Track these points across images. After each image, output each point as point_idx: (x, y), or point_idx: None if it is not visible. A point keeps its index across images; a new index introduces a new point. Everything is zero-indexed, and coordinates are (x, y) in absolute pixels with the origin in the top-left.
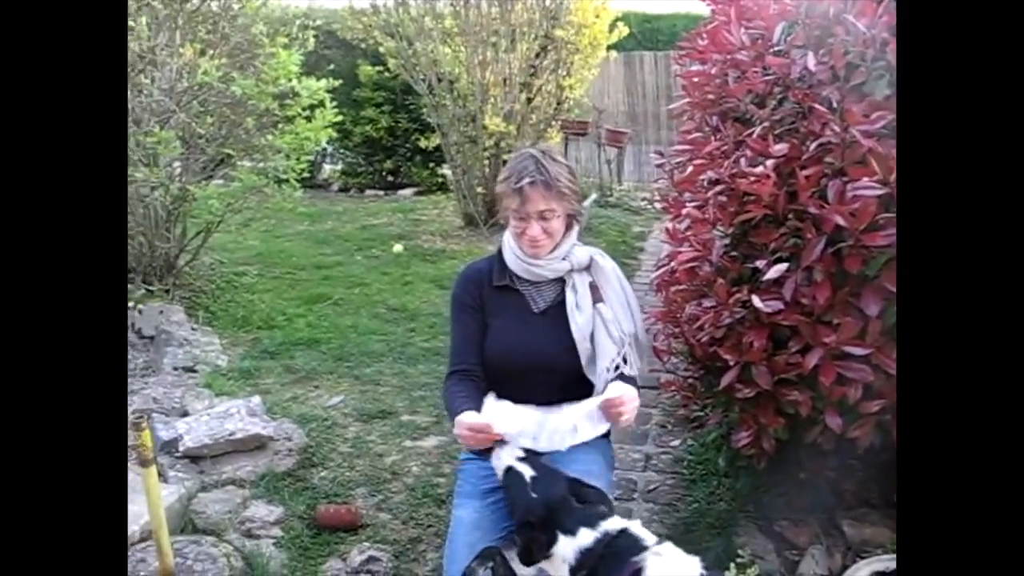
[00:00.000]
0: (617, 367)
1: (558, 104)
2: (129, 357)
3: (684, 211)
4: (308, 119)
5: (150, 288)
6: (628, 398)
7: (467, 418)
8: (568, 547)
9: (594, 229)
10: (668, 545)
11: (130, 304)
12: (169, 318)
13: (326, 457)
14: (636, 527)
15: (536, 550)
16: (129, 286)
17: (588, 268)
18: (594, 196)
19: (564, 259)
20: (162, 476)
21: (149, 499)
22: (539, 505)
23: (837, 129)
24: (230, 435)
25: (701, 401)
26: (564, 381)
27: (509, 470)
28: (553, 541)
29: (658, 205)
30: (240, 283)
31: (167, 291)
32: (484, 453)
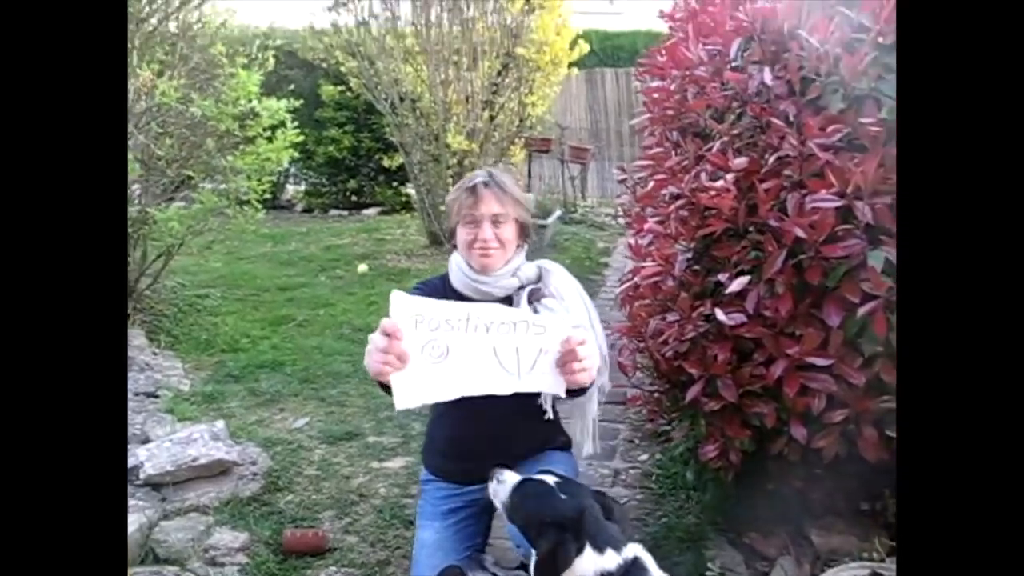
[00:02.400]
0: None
1: (521, 121)
2: None
3: (646, 226)
4: (269, 139)
5: None
6: (588, 348)
7: (376, 335)
8: (591, 564)
9: (559, 245)
10: None
11: None
12: (130, 343)
13: (292, 480)
14: (646, 557)
15: (561, 558)
16: None
17: (537, 281)
18: (558, 212)
19: (513, 275)
20: None
21: None
22: (571, 508)
23: (795, 142)
24: (193, 461)
25: (667, 415)
26: (516, 404)
27: (523, 482)
28: (580, 551)
29: (622, 220)
30: (203, 306)
31: (128, 315)
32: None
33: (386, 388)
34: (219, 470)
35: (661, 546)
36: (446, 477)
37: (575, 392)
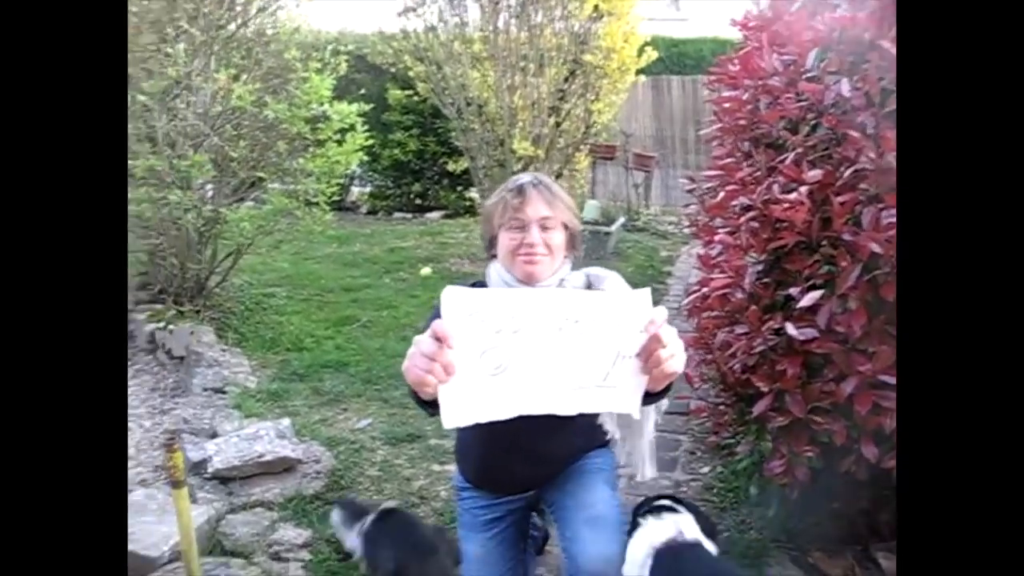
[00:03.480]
0: None
1: (586, 128)
2: (159, 377)
3: (717, 237)
4: (339, 143)
5: (181, 309)
6: (672, 332)
7: (424, 337)
8: None
9: (622, 253)
10: None
11: (160, 324)
12: (199, 339)
13: (354, 480)
14: None
15: None
16: (160, 306)
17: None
18: (622, 220)
19: (559, 286)
20: (192, 497)
21: (180, 521)
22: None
23: (872, 155)
24: (259, 457)
25: (732, 428)
26: (565, 425)
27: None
28: None
29: (689, 230)
30: (269, 305)
31: (197, 312)
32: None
33: (421, 401)
34: (284, 467)
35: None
36: (484, 487)
37: (652, 395)
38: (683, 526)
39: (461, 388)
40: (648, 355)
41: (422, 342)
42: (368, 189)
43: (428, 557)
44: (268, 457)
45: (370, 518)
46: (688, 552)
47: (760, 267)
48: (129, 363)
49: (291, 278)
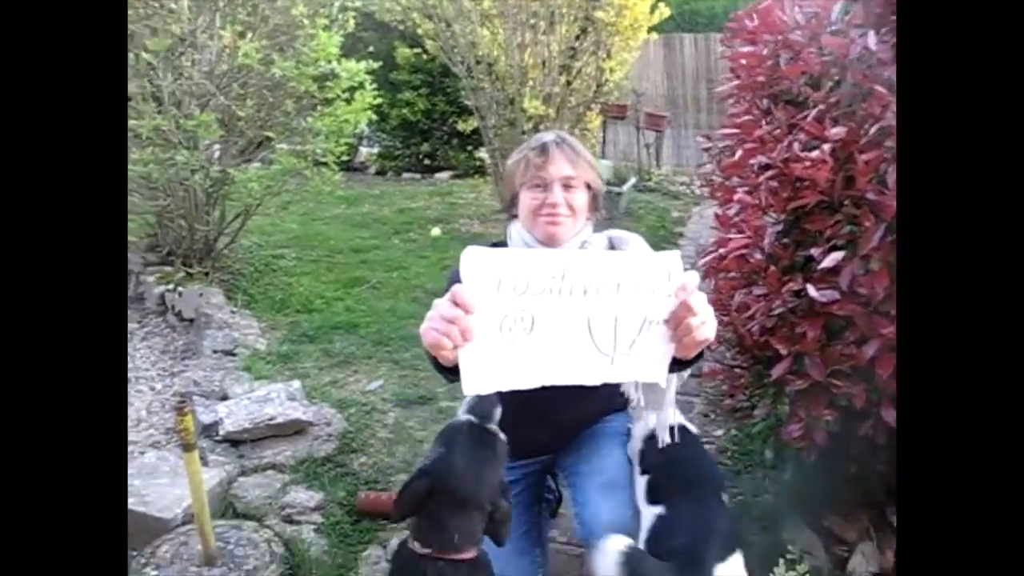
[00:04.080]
0: None
1: (598, 87)
2: (169, 339)
3: (735, 197)
4: (347, 101)
5: (190, 271)
6: (702, 299)
7: (443, 301)
8: None
9: (633, 214)
10: None
11: (170, 286)
12: (208, 300)
13: (365, 443)
14: None
15: None
16: (169, 268)
17: None
18: (633, 180)
19: (581, 248)
20: (203, 459)
21: (192, 483)
22: None
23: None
24: (270, 419)
25: (748, 391)
26: (587, 392)
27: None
28: None
29: (701, 190)
30: (278, 266)
31: (206, 274)
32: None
33: (440, 366)
34: (295, 430)
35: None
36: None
37: (681, 363)
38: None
39: (482, 353)
40: (678, 322)
41: (441, 305)
42: (376, 150)
43: None
44: (279, 419)
45: None
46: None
47: (780, 227)
48: (139, 325)
49: (300, 239)
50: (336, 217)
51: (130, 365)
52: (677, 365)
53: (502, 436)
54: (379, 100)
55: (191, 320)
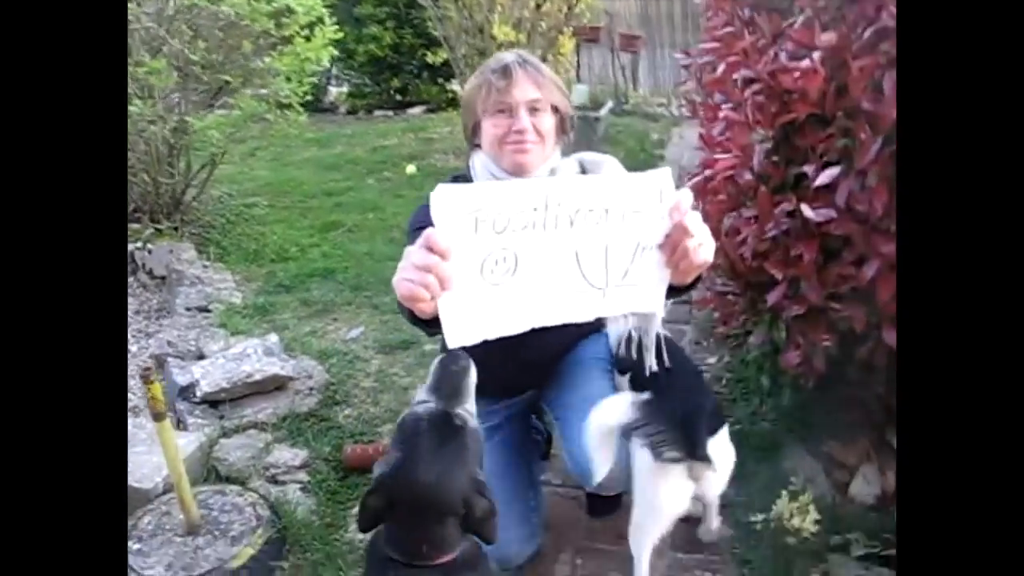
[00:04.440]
0: None
1: (569, 9)
2: (142, 299)
3: (721, 114)
4: (307, 38)
5: (158, 227)
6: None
7: (415, 248)
8: None
9: (611, 138)
10: None
11: (139, 244)
12: (179, 256)
13: (349, 394)
14: None
15: None
16: (136, 225)
17: None
18: (610, 104)
19: (551, 175)
20: (182, 423)
21: (166, 454)
22: None
23: (895, 11)
24: (248, 377)
25: (742, 318)
26: (561, 332)
27: None
28: None
29: (680, 111)
30: (250, 215)
31: (176, 229)
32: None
33: (417, 319)
34: (274, 386)
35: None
36: (477, 394)
37: (677, 289)
38: None
39: (464, 301)
40: (673, 246)
41: (414, 253)
42: (345, 89)
43: None
44: (257, 376)
45: None
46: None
47: (769, 144)
48: None
49: (271, 186)
50: (308, 160)
51: None
52: (673, 291)
53: (472, 422)
54: (341, 35)
55: (163, 278)
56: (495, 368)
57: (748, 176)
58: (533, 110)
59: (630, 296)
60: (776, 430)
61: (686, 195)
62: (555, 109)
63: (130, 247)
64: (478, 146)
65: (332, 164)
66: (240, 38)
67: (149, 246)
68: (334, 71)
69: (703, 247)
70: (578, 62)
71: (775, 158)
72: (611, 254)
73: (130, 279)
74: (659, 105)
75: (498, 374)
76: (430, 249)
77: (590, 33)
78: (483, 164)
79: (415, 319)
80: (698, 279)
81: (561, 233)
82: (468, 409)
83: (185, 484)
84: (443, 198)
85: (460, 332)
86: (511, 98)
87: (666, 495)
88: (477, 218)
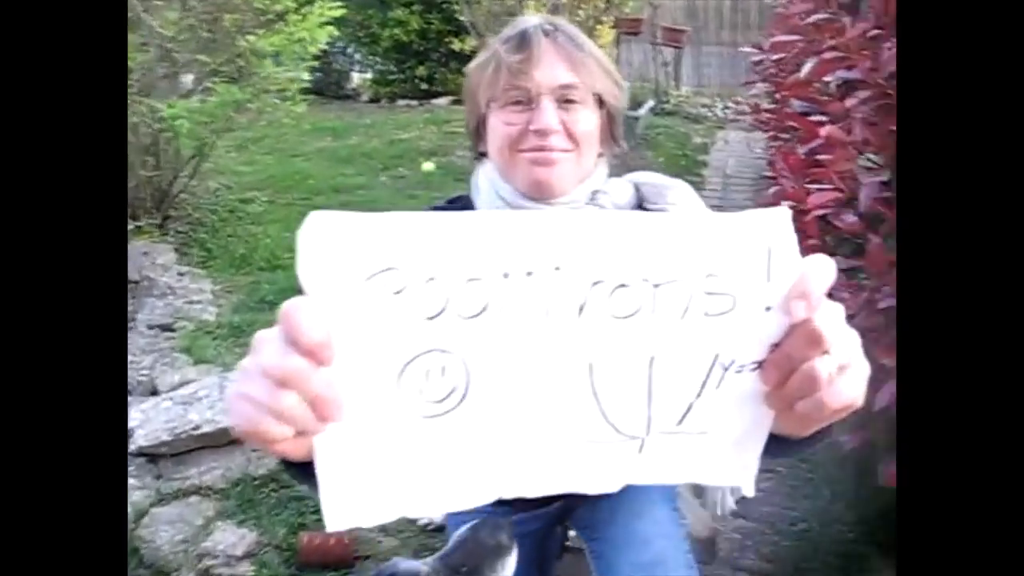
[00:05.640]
0: None
1: None
2: None
3: (823, 131)
4: (303, 16)
5: (138, 224)
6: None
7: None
8: None
9: (650, 140)
10: None
11: None
12: (155, 260)
13: None
14: None
15: None
16: None
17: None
18: (650, 103)
19: (592, 202)
20: None
21: None
22: None
23: None
24: (194, 429)
25: None
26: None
27: None
28: None
29: (724, 112)
30: (245, 212)
31: (159, 226)
32: None
33: (291, 465)
34: (228, 439)
35: None
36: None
37: (785, 444)
38: None
39: (360, 446)
40: (789, 368)
41: (264, 351)
42: (369, 75)
43: None
44: (206, 428)
45: None
46: None
47: (885, 177)
48: None
49: (274, 179)
50: (319, 152)
51: None
52: (777, 447)
53: None
54: (342, 11)
55: (136, 282)
56: None
57: (852, 218)
58: (565, 101)
59: (690, 455)
60: None
61: (820, 267)
62: (600, 101)
63: None
64: (484, 154)
65: (345, 157)
66: (220, 12)
67: None
68: (357, 56)
69: (849, 375)
70: (617, 56)
71: (889, 194)
72: (662, 375)
73: None
74: (703, 106)
75: None
76: (293, 343)
77: (631, 25)
78: (489, 181)
79: (288, 462)
80: (827, 432)
81: (565, 328)
82: None
83: None
84: (325, 238)
85: (345, 510)
86: (530, 81)
87: None
88: (396, 281)
